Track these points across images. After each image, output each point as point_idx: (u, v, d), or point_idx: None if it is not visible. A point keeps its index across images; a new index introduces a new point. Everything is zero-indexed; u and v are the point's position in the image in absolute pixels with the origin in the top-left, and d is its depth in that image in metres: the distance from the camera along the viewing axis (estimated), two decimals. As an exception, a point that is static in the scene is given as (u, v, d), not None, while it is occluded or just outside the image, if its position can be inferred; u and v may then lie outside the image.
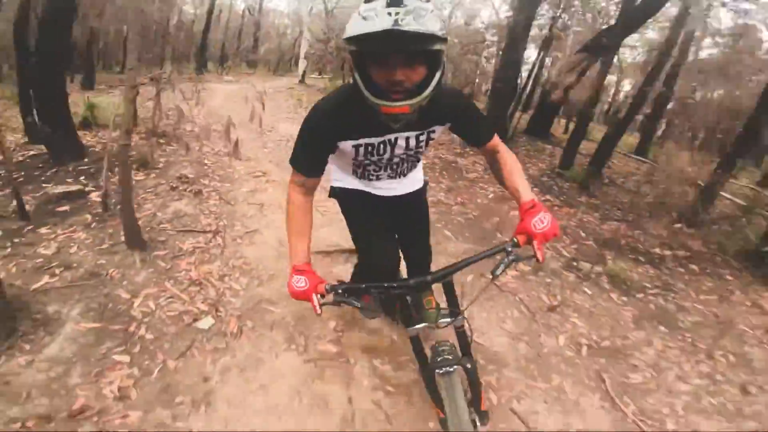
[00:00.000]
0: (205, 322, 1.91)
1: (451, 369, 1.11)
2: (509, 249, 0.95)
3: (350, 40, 0.87)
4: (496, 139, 1.18)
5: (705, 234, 4.07)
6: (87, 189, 3.12)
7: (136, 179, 3.33)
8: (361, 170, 1.28)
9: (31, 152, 3.83)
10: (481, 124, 1.18)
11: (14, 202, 2.61)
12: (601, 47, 5.82)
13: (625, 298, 2.69)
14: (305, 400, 1.59)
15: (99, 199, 2.86)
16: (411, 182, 1.46)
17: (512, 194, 1.09)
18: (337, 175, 1.46)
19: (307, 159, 1.11)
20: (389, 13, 0.79)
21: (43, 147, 3.73)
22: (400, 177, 1.35)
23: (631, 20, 5.51)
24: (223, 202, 3.30)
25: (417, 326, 1.13)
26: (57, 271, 2.14)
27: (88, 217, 2.73)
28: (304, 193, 1.14)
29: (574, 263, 3.04)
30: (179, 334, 1.84)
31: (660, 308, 2.66)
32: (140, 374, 1.60)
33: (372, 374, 1.74)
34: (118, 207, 2.58)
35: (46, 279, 2.07)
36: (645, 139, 10.46)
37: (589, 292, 2.69)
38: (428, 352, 1.24)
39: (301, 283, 1.01)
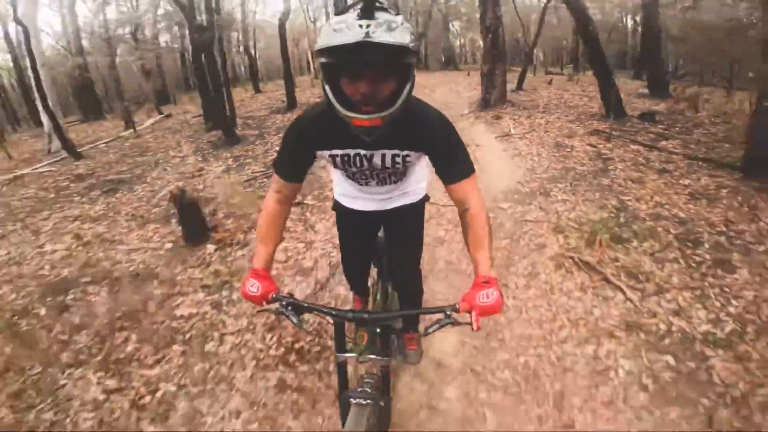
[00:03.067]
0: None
1: (365, 402, 1.12)
2: (448, 312, 0.97)
3: (322, 51, 0.86)
4: (468, 188, 1.08)
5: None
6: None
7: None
8: (351, 175, 1.29)
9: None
10: (455, 162, 1.08)
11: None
12: None
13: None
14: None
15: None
16: (409, 194, 1.44)
17: (472, 263, 1.06)
18: (336, 183, 1.50)
19: (287, 165, 1.14)
20: (360, 26, 0.80)
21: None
22: (390, 184, 1.33)
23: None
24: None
25: (345, 354, 1.16)
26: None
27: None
28: (280, 201, 1.16)
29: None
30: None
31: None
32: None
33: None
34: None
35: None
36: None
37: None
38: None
39: (253, 288, 1.05)
